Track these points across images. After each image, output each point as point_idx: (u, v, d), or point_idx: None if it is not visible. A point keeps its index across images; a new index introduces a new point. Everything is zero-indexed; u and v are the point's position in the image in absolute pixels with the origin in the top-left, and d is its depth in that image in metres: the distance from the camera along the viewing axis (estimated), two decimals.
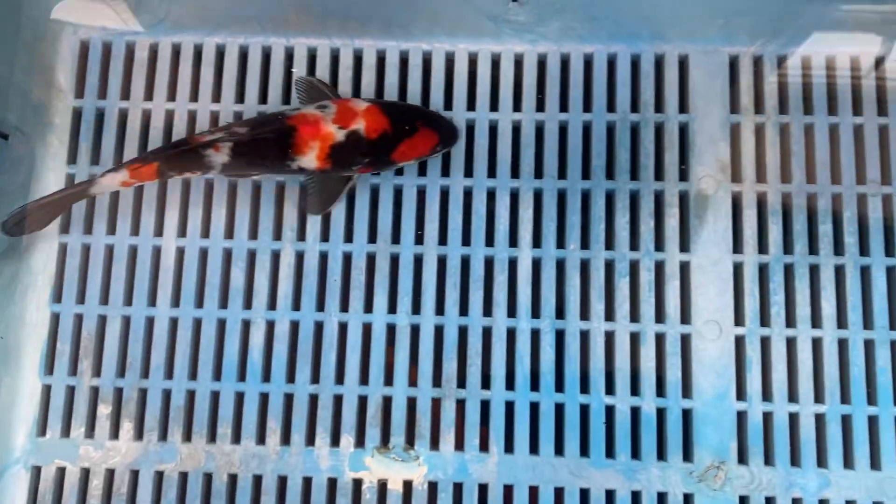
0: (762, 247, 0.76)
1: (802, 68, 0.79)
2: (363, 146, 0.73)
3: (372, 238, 0.78)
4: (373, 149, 0.73)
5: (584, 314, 0.76)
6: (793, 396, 0.73)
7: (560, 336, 0.75)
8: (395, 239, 0.78)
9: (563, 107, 0.80)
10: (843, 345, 0.74)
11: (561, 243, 0.77)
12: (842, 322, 0.74)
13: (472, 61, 0.81)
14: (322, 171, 0.74)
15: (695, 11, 0.78)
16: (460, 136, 0.77)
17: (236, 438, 0.75)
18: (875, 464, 0.71)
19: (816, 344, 0.74)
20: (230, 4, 0.80)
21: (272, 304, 0.77)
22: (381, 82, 0.81)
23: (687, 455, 0.73)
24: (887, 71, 0.77)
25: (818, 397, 0.73)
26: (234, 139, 0.72)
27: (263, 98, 0.80)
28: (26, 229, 0.74)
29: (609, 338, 0.75)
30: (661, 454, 0.73)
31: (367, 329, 0.76)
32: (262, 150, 0.73)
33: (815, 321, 0.74)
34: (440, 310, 0.76)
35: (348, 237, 0.78)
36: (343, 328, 0.76)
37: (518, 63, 0.81)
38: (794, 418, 0.73)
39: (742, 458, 0.73)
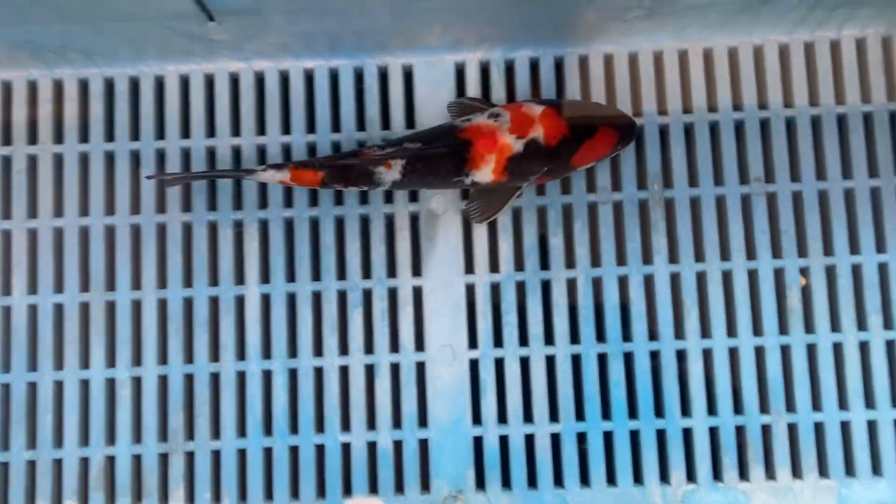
0: (494, 265, 0.74)
1: (531, 72, 0.75)
2: (542, 155, 0.68)
3: (84, 286, 0.72)
4: (552, 156, 0.68)
5: (318, 350, 0.73)
6: (528, 417, 0.72)
7: (293, 375, 0.72)
8: (110, 285, 0.72)
9: (286, 128, 0.75)
10: (576, 360, 0.72)
11: (291, 276, 0.73)
12: (574, 338, 0.73)
13: (185, 83, 0.75)
14: (496, 183, 0.69)
15: (413, 20, 0.73)
16: (638, 130, 0.73)
17: None
18: (612, 479, 0.71)
19: (550, 361, 0.72)
20: None
21: None
22: (85, 112, 0.74)
23: (425, 485, 0.71)
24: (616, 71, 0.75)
25: (553, 416, 0.72)
26: (407, 155, 0.67)
27: None
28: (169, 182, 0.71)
29: (344, 372, 0.72)
30: (400, 487, 0.71)
31: (84, 386, 0.71)
32: (435, 166, 0.68)
33: (549, 339, 0.73)
34: (163, 358, 0.72)
35: (58, 287, 0.72)
36: (59, 386, 0.71)
37: (235, 82, 0.75)
38: (529, 440, 0.72)
39: (480, 485, 0.71)
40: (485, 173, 0.68)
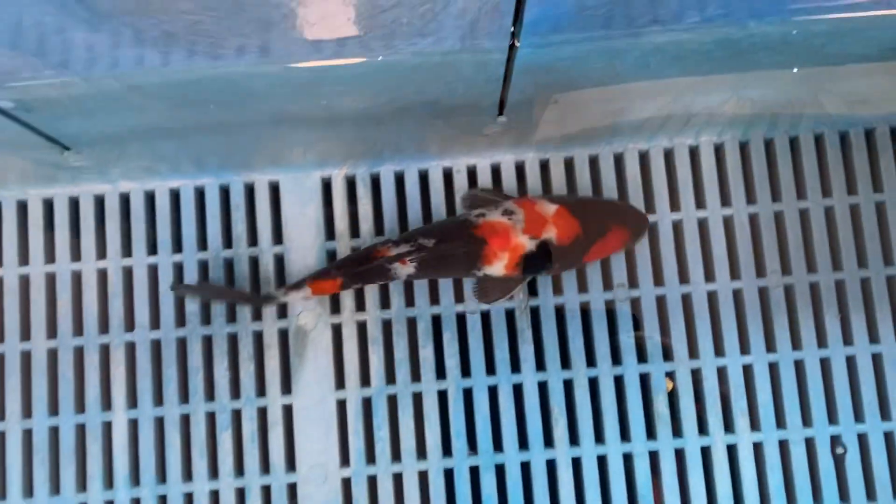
0: (365, 379, 0.73)
1: (397, 186, 0.76)
2: (554, 254, 0.68)
3: None
4: (565, 255, 0.69)
5: (187, 474, 0.72)
6: None
7: (163, 501, 0.71)
8: None
9: (152, 248, 0.75)
10: (448, 474, 0.72)
11: (159, 399, 0.72)
12: (447, 450, 0.73)
13: (49, 206, 0.74)
14: (507, 277, 0.69)
15: (275, 142, 0.73)
16: (648, 223, 0.73)
17: None
18: None
19: (423, 476, 0.72)
20: None
21: None
22: None
23: None
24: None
25: None
26: (422, 254, 0.67)
27: None
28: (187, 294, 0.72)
29: (214, 497, 0.71)
30: None
31: None
32: (449, 263, 0.69)
33: (421, 452, 0.73)
34: (28, 490, 0.70)
35: None
36: None
37: (100, 204, 0.75)
38: None
39: None
40: (497, 268, 0.68)
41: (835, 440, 0.72)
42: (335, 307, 0.74)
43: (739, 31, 0.56)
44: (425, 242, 0.68)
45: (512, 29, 0.52)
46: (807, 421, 0.72)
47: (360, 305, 0.74)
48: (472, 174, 0.76)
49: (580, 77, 0.63)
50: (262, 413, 0.73)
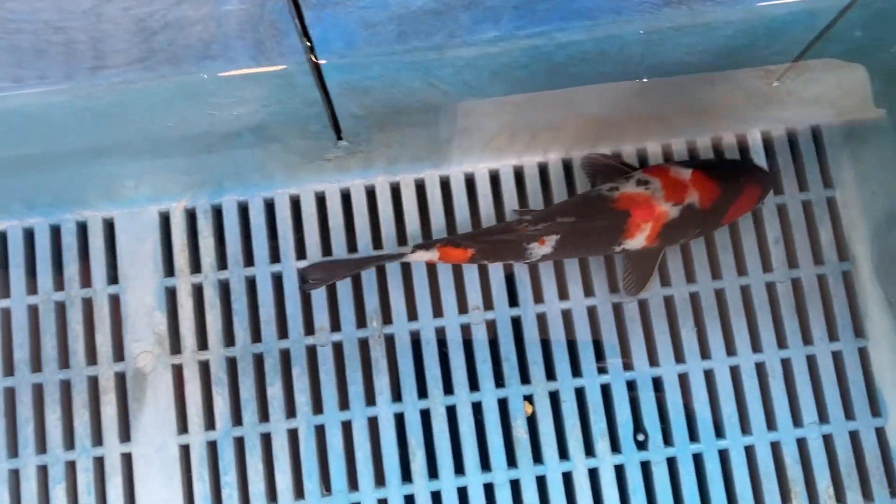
0: (209, 422, 0.70)
1: (241, 217, 0.73)
2: (697, 218, 0.65)
3: None
4: (706, 219, 0.66)
5: None
6: None
7: None
8: None
9: None
10: None
11: None
12: (299, 492, 0.69)
13: None
14: (646, 249, 0.66)
15: (107, 172, 0.70)
16: (775, 179, 0.72)
17: None
18: None
19: None
20: None
21: None
22: None
23: None
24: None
25: None
26: (562, 231, 0.64)
27: None
28: (317, 283, 0.69)
29: None
30: None
31: None
32: (590, 239, 0.66)
33: (271, 495, 0.69)
34: None
35: None
36: None
37: None
38: None
39: None
40: (638, 241, 0.66)
41: (698, 457, 0.70)
42: (175, 347, 0.70)
43: (548, 43, 0.55)
44: (564, 220, 0.65)
45: (304, 46, 0.50)
46: (668, 440, 0.70)
47: (203, 344, 0.71)
48: (321, 200, 0.73)
49: (405, 97, 0.62)
50: (99, 463, 0.69)
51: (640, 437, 0.70)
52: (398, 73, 0.56)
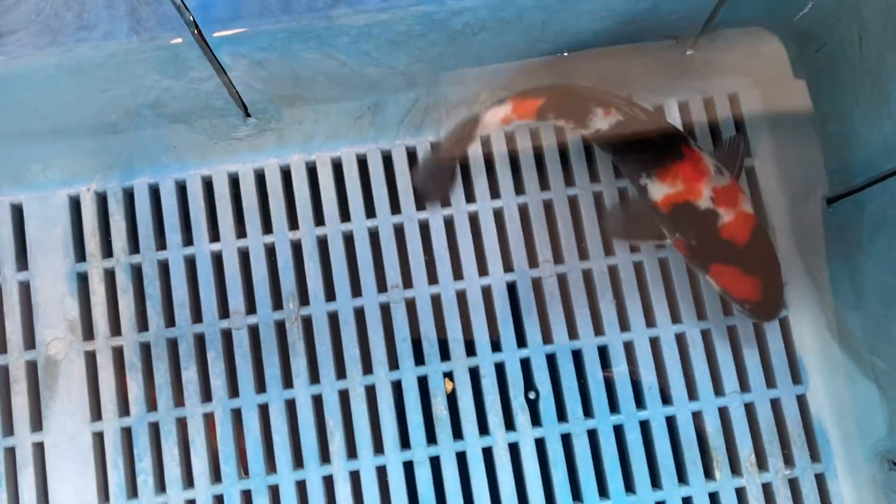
0: (123, 409, 0.68)
1: (152, 199, 0.72)
2: (712, 230, 0.62)
3: None
4: (720, 238, 0.62)
5: None
6: None
7: None
8: None
9: None
10: (219, 501, 0.67)
11: None
12: (217, 476, 0.68)
13: None
14: (655, 208, 0.63)
15: (11, 155, 0.68)
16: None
17: None
18: None
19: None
20: None
21: None
22: None
23: None
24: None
25: None
26: (627, 118, 0.62)
27: None
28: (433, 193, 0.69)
29: None
30: None
31: None
32: (639, 145, 0.62)
33: (188, 480, 0.68)
34: None
35: None
36: None
37: None
38: None
39: None
40: (660, 192, 0.63)
41: (619, 428, 0.70)
42: (88, 333, 0.69)
43: (440, 10, 0.54)
44: (638, 114, 0.63)
45: (183, 16, 0.49)
46: (588, 412, 0.70)
47: (116, 329, 0.69)
48: (234, 181, 0.72)
49: (306, 70, 0.61)
50: (11, 454, 0.67)
51: (532, 395, 0.69)
52: (289, 43, 0.55)
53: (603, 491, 0.69)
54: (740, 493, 0.70)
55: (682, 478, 0.70)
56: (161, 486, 0.68)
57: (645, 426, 0.70)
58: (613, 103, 0.63)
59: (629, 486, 0.69)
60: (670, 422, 0.70)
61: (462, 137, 0.66)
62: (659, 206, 0.64)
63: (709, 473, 0.70)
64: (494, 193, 0.73)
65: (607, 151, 0.68)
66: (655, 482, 0.69)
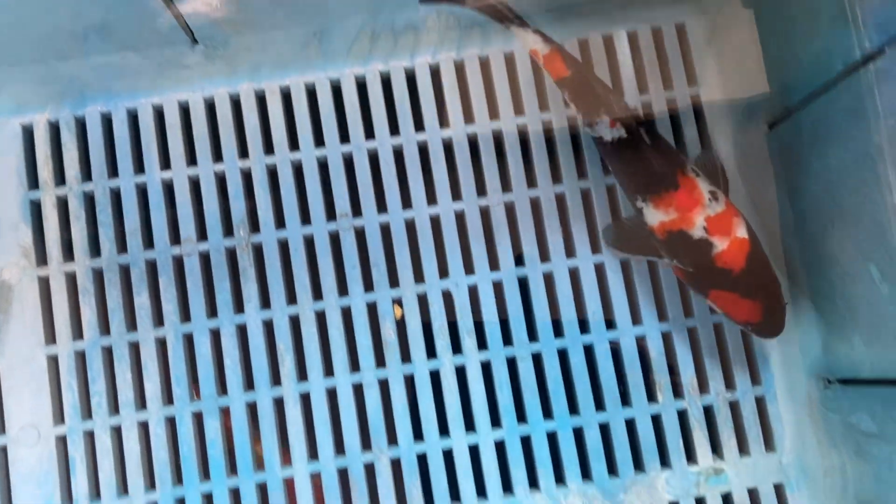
0: (77, 332, 0.70)
1: (105, 128, 0.72)
2: (707, 259, 0.62)
3: None
4: (716, 266, 0.62)
5: None
6: (124, 489, 0.68)
7: None
8: None
9: None
10: (171, 422, 0.69)
11: None
12: (169, 398, 0.70)
13: None
14: (652, 233, 0.64)
15: None
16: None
17: None
18: None
19: (143, 428, 0.69)
20: None
21: None
22: None
23: None
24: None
25: (150, 484, 0.69)
26: (631, 135, 0.63)
27: None
28: None
29: None
30: None
31: None
32: (635, 166, 0.63)
33: (141, 403, 0.69)
34: None
35: None
36: None
37: None
38: None
39: None
40: (655, 216, 0.63)
41: (563, 352, 0.71)
42: (41, 259, 0.70)
43: None
44: (643, 135, 0.63)
45: None
46: (533, 336, 0.71)
47: (69, 255, 0.71)
48: (185, 110, 0.73)
49: None
50: None
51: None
52: None
53: (547, 412, 0.71)
54: (682, 416, 0.71)
55: (625, 400, 0.71)
56: (115, 408, 0.69)
57: (589, 350, 0.72)
58: (622, 117, 0.63)
59: (573, 409, 0.71)
60: (614, 346, 0.72)
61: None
62: (655, 231, 0.64)
63: (651, 396, 0.71)
64: (444, 123, 0.73)
65: (604, 157, 0.68)
66: (599, 405, 0.71)
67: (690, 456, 0.71)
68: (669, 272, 0.72)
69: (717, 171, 0.66)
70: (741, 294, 0.62)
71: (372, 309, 0.72)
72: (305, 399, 0.70)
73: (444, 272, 0.72)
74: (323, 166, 0.73)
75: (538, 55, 0.67)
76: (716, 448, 0.71)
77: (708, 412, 0.71)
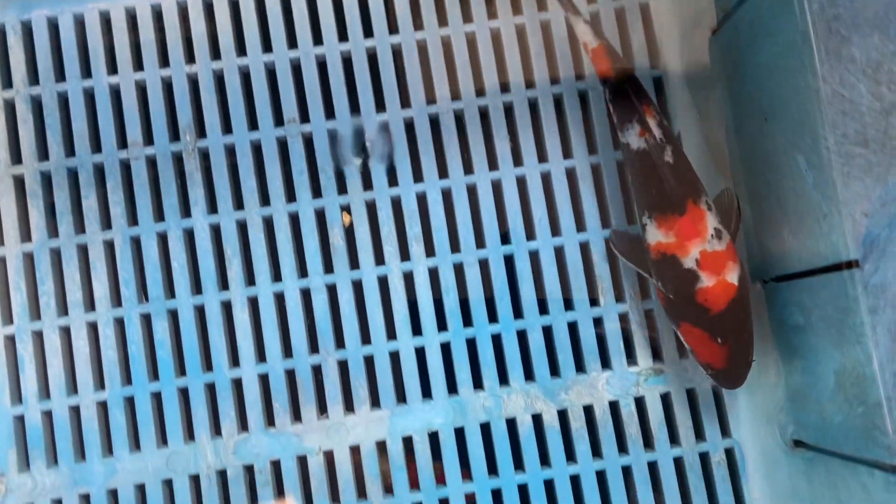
0: (25, 235, 0.70)
1: (51, 32, 0.72)
2: (689, 290, 0.62)
3: None
4: (696, 300, 0.62)
5: None
6: (73, 388, 0.69)
7: None
8: None
9: None
10: (119, 323, 0.70)
11: None
12: (118, 300, 0.70)
13: None
14: (649, 250, 0.64)
15: None
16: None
17: None
18: (164, 440, 0.69)
19: (92, 328, 0.70)
20: None
21: None
22: None
23: None
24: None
25: (100, 384, 0.70)
26: (654, 150, 0.63)
27: None
28: None
29: None
30: None
31: None
32: (654, 184, 0.63)
33: (89, 304, 0.70)
34: None
35: None
36: None
37: None
38: (75, 412, 0.69)
39: (24, 465, 0.68)
40: (656, 236, 0.63)
41: (509, 258, 0.72)
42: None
43: None
44: (668, 155, 0.63)
45: None
46: (480, 242, 0.72)
47: (17, 158, 0.71)
48: (132, 15, 0.73)
49: None
50: None
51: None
52: None
53: (493, 316, 0.72)
54: (623, 318, 0.72)
55: (568, 305, 0.72)
56: (63, 309, 0.70)
57: (535, 256, 0.72)
58: (652, 130, 0.63)
59: (518, 313, 0.72)
60: (558, 251, 0.73)
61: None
62: (650, 248, 0.64)
63: (594, 301, 0.73)
64: (393, 29, 0.73)
65: (625, 163, 0.69)
66: (543, 309, 0.72)
67: (631, 357, 0.72)
68: (614, 174, 0.72)
69: (733, 213, 0.66)
70: (711, 335, 0.62)
71: (320, 215, 0.72)
72: (253, 303, 0.71)
73: (392, 181, 0.73)
74: (271, 72, 0.73)
75: (587, 47, 0.67)
76: (657, 353, 0.72)
77: (648, 315, 0.73)
